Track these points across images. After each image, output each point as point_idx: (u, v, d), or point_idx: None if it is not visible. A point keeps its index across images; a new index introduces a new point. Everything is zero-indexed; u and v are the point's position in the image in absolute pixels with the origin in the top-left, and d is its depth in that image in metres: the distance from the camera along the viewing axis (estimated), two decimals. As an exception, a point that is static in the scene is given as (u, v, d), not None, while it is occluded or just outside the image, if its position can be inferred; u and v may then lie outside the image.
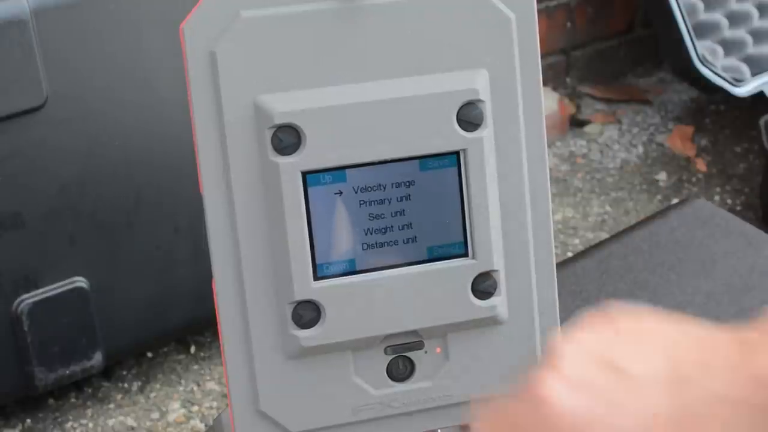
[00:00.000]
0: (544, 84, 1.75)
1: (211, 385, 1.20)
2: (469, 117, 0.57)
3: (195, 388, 1.20)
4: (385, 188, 0.57)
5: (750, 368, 0.41)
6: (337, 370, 0.59)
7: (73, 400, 1.18)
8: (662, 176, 1.68)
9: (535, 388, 0.43)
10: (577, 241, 1.54)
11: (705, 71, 1.60)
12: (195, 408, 1.17)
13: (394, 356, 0.60)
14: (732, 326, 0.44)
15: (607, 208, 1.62)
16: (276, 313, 0.58)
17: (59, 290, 1.04)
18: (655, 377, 0.42)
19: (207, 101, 0.56)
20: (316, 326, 0.58)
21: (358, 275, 0.58)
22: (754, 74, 1.65)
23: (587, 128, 1.82)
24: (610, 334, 0.45)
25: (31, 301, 1.03)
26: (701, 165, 1.71)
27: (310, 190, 0.56)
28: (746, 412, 0.40)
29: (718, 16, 1.69)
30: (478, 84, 0.57)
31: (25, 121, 0.97)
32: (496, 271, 0.59)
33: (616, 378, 0.42)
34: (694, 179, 1.67)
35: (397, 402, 0.60)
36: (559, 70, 1.89)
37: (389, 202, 0.58)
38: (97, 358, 1.09)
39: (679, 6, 1.61)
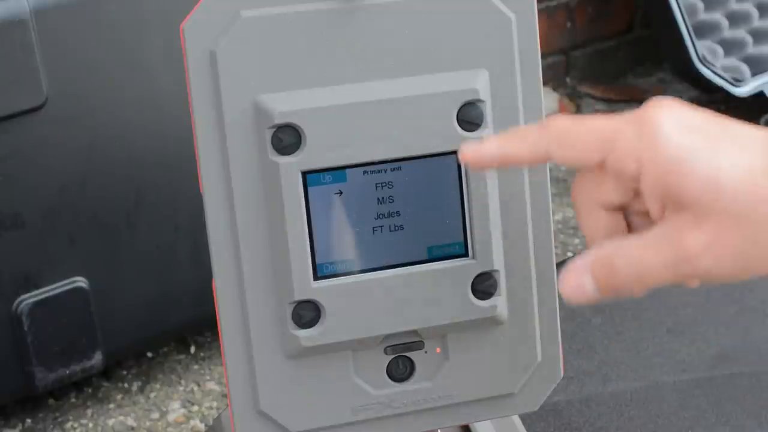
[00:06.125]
0: (544, 84, 1.75)
1: (211, 385, 1.20)
2: (469, 117, 0.57)
3: (195, 388, 1.20)
4: (385, 188, 0.57)
5: None
6: (337, 370, 0.59)
7: (73, 400, 1.18)
8: (662, 176, 1.68)
9: (648, 111, 0.48)
10: (577, 241, 1.54)
11: (705, 71, 1.60)
12: (195, 408, 1.17)
13: (394, 356, 0.60)
14: None
15: (607, 208, 1.61)
16: (276, 313, 0.58)
17: (59, 290, 1.04)
18: (756, 141, 0.47)
19: (207, 101, 0.56)
20: (316, 326, 0.58)
21: (358, 275, 0.58)
22: (754, 74, 1.65)
23: (587, 128, 1.82)
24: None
25: (31, 301, 1.03)
26: (701, 165, 1.70)
27: (310, 189, 0.56)
28: None
29: (718, 16, 1.69)
30: (478, 84, 0.57)
31: (25, 121, 0.97)
32: (496, 271, 0.59)
33: (720, 135, 0.47)
34: (694, 179, 1.67)
35: (397, 402, 0.60)
36: (559, 70, 1.89)
37: (389, 202, 0.58)
38: (97, 358, 1.09)
39: (679, 6, 1.61)
